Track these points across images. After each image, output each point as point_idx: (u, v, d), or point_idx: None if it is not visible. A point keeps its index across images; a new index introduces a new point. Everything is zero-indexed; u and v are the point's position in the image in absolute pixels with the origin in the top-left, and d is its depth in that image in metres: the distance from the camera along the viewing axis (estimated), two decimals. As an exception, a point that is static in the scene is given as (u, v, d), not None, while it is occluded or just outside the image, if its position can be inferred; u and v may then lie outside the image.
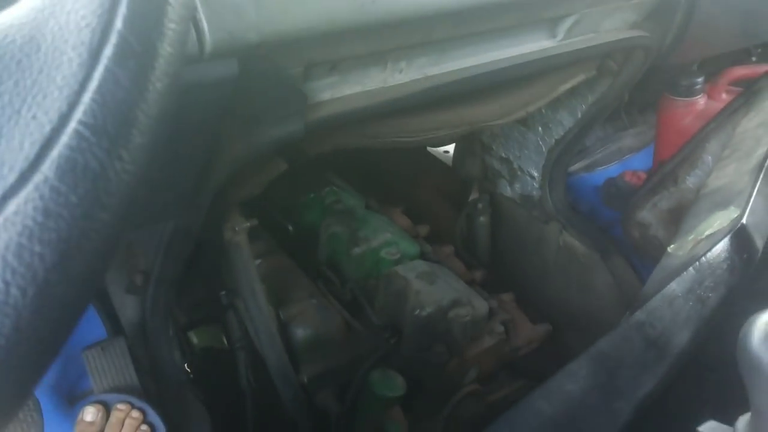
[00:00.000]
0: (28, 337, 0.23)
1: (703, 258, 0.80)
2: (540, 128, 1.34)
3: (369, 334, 1.13)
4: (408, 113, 0.92)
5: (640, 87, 1.19)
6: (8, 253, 0.22)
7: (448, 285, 1.14)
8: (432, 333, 1.10)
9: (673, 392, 0.72)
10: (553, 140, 1.33)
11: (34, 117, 0.23)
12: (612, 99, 1.20)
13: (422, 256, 1.27)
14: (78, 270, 0.23)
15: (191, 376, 0.99)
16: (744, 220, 0.84)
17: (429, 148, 1.74)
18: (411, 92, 0.81)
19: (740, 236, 0.82)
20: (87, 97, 0.23)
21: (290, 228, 1.29)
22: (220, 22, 0.56)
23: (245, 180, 0.87)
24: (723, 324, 0.74)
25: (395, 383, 1.01)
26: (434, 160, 1.72)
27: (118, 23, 0.24)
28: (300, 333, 1.06)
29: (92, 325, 0.90)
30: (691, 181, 1.23)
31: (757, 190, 0.89)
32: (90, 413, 0.79)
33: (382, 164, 1.64)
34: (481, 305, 1.13)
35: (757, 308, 0.49)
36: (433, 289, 1.11)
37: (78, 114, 0.23)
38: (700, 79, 1.29)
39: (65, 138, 0.23)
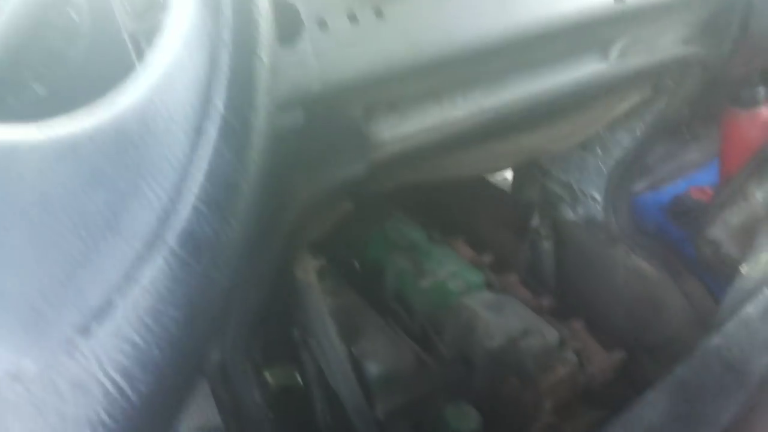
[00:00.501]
0: (168, 388, 0.26)
1: (777, 278, 0.78)
2: (599, 150, 1.33)
3: (441, 368, 1.13)
4: (467, 146, 0.93)
5: (700, 100, 1.17)
6: (147, 316, 0.25)
7: (517, 314, 1.13)
8: (503, 364, 1.09)
9: (756, 416, 0.69)
10: (614, 161, 1.32)
11: (154, 193, 0.27)
12: (671, 116, 1.18)
13: (488, 285, 1.27)
14: (203, 326, 0.26)
15: (270, 415, 1.02)
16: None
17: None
18: (468, 125, 0.83)
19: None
20: (198, 173, 0.27)
21: (356, 264, 1.31)
22: (284, 75, 0.59)
23: (313, 222, 0.90)
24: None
25: (470, 417, 1.00)
26: (492, 187, 1.72)
27: (219, 104, 0.27)
28: (373, 369, 1.07)
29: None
30: (761, 196, 1.19)
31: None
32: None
33: (441, 195, 1.66)
34: (551, 334, 1.12)
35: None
36: (502, 319, 1.11)
37: (192, 189, 0.27)
38: (762, 89, 1.26)
39: (184, 211, 0.26)
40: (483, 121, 0.84)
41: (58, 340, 0.26)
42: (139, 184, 0.27)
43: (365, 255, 1.35)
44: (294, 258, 0.98)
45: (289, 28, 0.60)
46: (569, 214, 1.47)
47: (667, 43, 0.99)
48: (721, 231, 1.25)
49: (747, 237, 1.18)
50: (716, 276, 1.29)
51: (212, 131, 0.27)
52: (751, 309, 0.74)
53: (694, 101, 1.17)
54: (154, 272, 0.26)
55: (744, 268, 0.86)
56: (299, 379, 1.15)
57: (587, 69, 0.92)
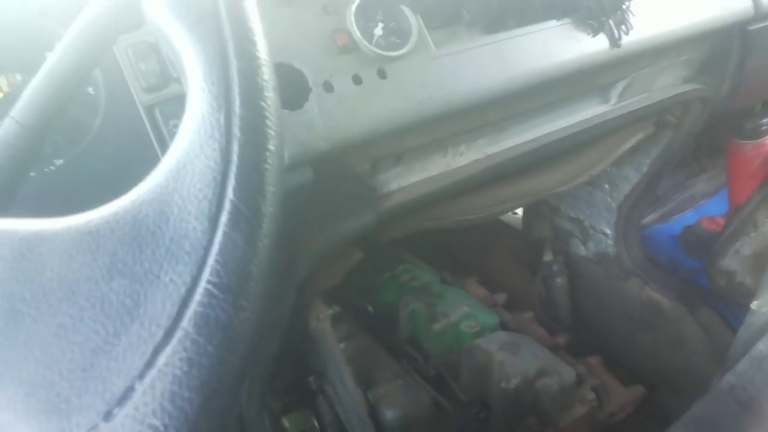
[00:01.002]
0: None
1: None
2: (607, 186, 1.35)
3: (457, 411, 1.13)
4: (472, 192, 0.95)
5: (705, 132, 1.18)
6: (164, 400, 0.27)
7: (532, 354, 1.13)
8: (521, 405, 1.09)
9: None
10: (622, 196, 1.33)
11: (171, 280, 0.28)
12: (676, 150, 1.20)
13: (502, 325, 1.27)
14: (219, 406, 0.28)
15: (288, 463, 1.02)
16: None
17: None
18: (473, 173, 0.85)
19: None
20: (211, 260, 0.28)
21: (370, 309, 1.32)
22: (293, 136, 0.61)
23: (325, 271, 0.92)
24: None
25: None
26: (503, 225, 1.73)
27: (230, 193, 0.29)
28: (389, 414, 1.07)
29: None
30: (770, 225, 1.19)
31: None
32: None
33: (451, 236, 1.67)
34: (568, 372, 1.12)
35: None
36: (517, 359, 1.11)
37: (206, 275, 0.28)
38: (765, 120, 1.27)
39: (198, 297, 0.28)
40: (488, 167, 0.86)
41: (82, 426, 0.27)
42: (157, 271, 0.29)
43: (378, 299, 1.36)
44: (307, 307, 0.99)
45: (297, 92, 0.62)
46: (581, 249, 1.47)
47: (666, 82, 1.01)
48: (733, 261, 1.25)
49: (760, 265, 1.18)
50: (731, 305, 1.28)
51: (224, 219, 0.29)
52: (762, 346, 0.74)
53: (698, 135, 1.18)
54: (170, 355, 0.28)
55: (755, 304, 0.86)
56: (316, 424, 1.15)
57: (588, 112, 0.93)
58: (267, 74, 0.32)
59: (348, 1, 0.66)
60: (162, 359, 0.28)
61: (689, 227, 1.40)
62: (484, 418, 1.10)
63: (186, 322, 0.28)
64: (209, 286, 0.28)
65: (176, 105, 0.61)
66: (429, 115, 0.69)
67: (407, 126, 0.69)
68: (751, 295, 1.10)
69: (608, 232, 1.39)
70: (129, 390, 0.28)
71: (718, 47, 1.00)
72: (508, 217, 1.76)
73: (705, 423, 0.72)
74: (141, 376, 0.28)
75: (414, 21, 0.68)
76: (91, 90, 0.61)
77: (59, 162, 0.61)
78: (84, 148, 0.60)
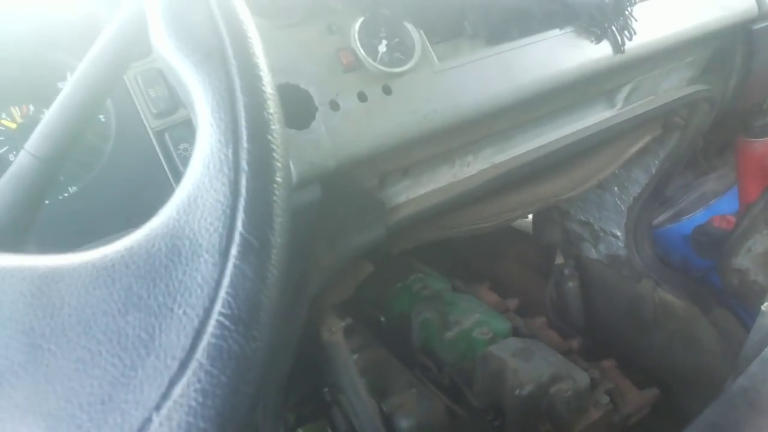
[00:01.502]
0: None
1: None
2: (616, 188, 1.35)
3: (472, 419, 1.13)
4: (482, 201, 0.95)
5: (713, 130, 1.18)
6: (180, 431, 0.27)
7: (545, 360, 1.13)
8: (535, 411, 1.08)
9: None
10: (631, 198, 1.33)
11: (184, 313, 0.29)
12: (684, 150, 1.19)
13: (514, 331, 1.27)
14: None
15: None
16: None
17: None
18: (481, 182, 0.85)
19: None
20: (223, 292, 0.29)
21: (382, 319, 1.33)
22: (301, 155, 0.62)
23: (336, 285, 0.92)
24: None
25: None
26: (513, 230, 1.73)
27: (239, 226, 0.30)
28: (404, 424, 1.08)
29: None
30: (782, 223, 1.19)
31: None
32: None
33: (461, 243, 1.67)
34: (581, 377, 1.12)
35: None
36: (531, 365, 1.11)
37: (218, 307, 0.29)
38: (773, 118, 1.26)
39: (210, 328, 0.29)
40: (496, 176, 0.86)
41: None
42: (170, 304, 0.30)
43: (390, 309, 1.36)
44: (320, 320, 1.00)
45: (304, 112, 0.63)
46: (592, 252, 1.47)
47: (671, 84, 1.01)
48: (746, 259, 1.25)
49: (773, 263, 1.18)
50: (744, 304, 1.28)
51: (234, 252, 0.30)
52: (774, 348, 0.74)
53: (706, 134, 1.18)
54: (185, 387, 0.29)
55: (766, 306, 0.86)
56: (332, 436, 1.16)
57: (595, 117, 0.94)
58: (273, 108, 0.33)
59: (351, 19, 0.66)
60: (177, 391, 0.28)
61: (700, 226, 1.39)
62: (499, 426, 1.10)
63: (200, 354, 0.29)
64: (221, 318, 0.29)
65: (185, 129, 0.62)
66: (435, 128, 0.70)
67: (414, 140, 0.69)
68: (764, 292, 1.09)
69: (619, 234, 1.39)
70: (146, 421, 0.28)
71: (723, 47, 1.00)
72: (518, 222, 1.76)
73: (718, 427, 0.71)
74: (158, 407, 0.28)
75: (417, 36, 0.69)
76: (102, 117, 0.63)
77: (73, 189, 0.62)
78: (96, 174, 0.61)
